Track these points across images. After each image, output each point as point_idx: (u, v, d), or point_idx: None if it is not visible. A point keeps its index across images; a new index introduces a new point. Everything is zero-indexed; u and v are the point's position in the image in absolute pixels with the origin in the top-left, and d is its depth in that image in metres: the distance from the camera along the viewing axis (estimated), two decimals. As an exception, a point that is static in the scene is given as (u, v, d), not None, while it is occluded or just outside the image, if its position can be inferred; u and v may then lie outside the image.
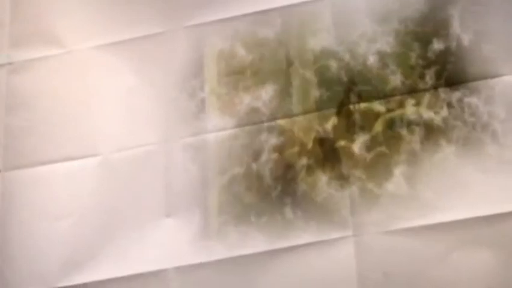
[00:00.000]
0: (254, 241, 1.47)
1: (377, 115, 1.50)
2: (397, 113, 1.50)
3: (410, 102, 1.51)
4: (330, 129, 1.51)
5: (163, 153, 1.55)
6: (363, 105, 1.51)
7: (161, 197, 1.52)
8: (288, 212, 1.48)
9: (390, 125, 1.49)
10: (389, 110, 1.50)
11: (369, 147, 1.49)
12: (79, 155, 1.57)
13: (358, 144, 1.49)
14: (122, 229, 1.51)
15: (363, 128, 1.50)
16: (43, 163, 1.58)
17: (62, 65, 1.64)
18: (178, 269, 1.47)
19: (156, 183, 1.53)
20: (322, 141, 1.51)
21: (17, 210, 1.56)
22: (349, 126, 1.51)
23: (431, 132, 1.48)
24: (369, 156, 1.48)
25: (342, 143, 1.50)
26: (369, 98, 1.52)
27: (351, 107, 1.51)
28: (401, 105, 1.50)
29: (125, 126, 1.58)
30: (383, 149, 1.48)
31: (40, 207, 1.55)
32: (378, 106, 1.50)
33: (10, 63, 1.66)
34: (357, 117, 1.51)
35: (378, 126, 1.49)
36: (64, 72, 1.64)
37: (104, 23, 1.65)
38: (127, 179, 1.54)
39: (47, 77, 1.64)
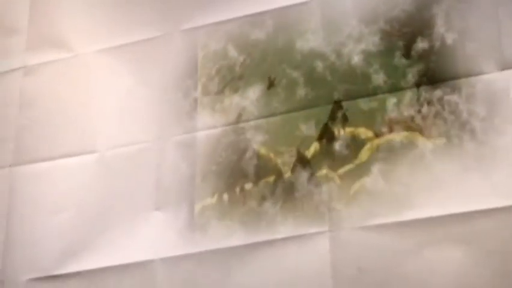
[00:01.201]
0: (235, 234, 1.51)
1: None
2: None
3: (391, 100, 1.52)
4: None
5: (155, 150, 1.62)
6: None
7: (152, 192, 1.59)
8: (269, 206, 1.52)
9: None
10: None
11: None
12: (79, 152, 1.67)
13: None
14: (114, 222, 1.59)
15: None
16: (47, 159, 1.69)
17: (69, 68, 1.75)
18: (164, 259, 1.54)
19: (148, 179, 1.60)
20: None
21: (23, 203, 1.67)
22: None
23: (411, 129, 1.50)
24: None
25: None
26: (352, 96, 1.55)
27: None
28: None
29: (123, 125, 1.66)
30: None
31: (42, 201, 1.65)
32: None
33: (25, 67, 1.79)
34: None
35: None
36: (70, 74, 1.74)
37: (108, 28, 1.75)
38: (122, 174, 1.62)
39: (55, 79, 1.75)
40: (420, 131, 1.48)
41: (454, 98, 1.49)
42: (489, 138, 1.44)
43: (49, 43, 1.78)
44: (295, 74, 1.60)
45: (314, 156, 1.52)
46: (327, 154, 1.51)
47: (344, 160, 1.50)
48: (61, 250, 1.60)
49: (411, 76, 1.53)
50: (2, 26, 1.82)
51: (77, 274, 1.57)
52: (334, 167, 1.50)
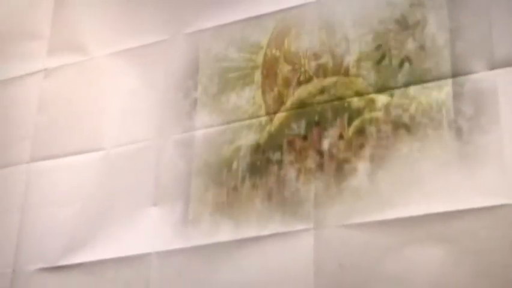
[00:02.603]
0: (224, 230, 1.56)
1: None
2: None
3: (380, 100, 1.53)
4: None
5: (155, 149, 1.68)
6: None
7: (151, 188, 1.65)
8: (258, 204, 1.55)
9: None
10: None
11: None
12: (88, 150, 1.75)
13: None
14: (115, 217, 1.66)
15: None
16: (60, 156, 1.77)
17: (84, 71, 1.84)
18: (159, 253, 1.59)
19: (147, 176, 1.66)
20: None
21: (36, 198, 1.76)
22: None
23: (398, 129, 1.50)
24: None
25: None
26: (343, 96, 1.56)
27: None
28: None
29: (127, 124, 1.74)
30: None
31: (52, 196, 1.74)
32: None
33: (45, 69, 1.89)
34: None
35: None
36: (85, 77, 1.83)
37: (120, 32, 1.83)
38: (124, 171, 1.69)
39: (71, 81, 1.85)
40: (408, 130, 1.49)
41: (442, 97, 1.48)
42: (474, 137, 1.43)
43: (68, 47, 1.87)
44: (291, 75, 1.63)
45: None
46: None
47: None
48: (66, 243, 1.68)
49: (401, 76, 1.53)
50: (26, 31, 1.94)
51: (80, 265, 1.65)
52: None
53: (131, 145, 1.71)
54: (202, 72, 1.71)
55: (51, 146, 1.79)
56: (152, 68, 1.75)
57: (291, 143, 1.57)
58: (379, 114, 1.51)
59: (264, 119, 1.61)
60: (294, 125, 1.58)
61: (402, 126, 1.49)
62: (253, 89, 1.65)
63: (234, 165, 1.60)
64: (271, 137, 1.59)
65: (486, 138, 1.42)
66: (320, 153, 1.54)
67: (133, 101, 1.75)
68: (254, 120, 1.62)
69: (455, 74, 1.48)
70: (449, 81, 1.48)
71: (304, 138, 1.56)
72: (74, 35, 1.88)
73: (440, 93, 1.48)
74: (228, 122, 1.64)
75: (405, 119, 1.49)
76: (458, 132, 1.44)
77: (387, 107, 1.52)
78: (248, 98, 1.65)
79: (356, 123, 1.52)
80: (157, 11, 1.80)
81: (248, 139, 1.61)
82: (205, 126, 1.66)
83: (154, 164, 1.67)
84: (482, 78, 1.46)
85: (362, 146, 1.51)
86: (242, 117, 1.63)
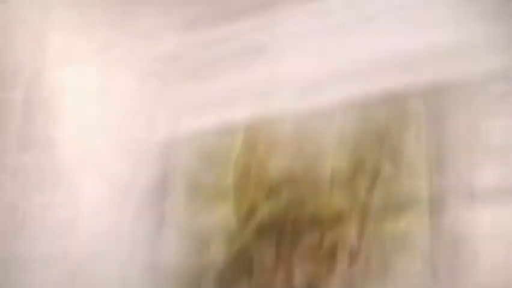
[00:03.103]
0: None
1: None
2: None
3: (353, 215, 1.46)
4: None
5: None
6: None
7: None
8: None
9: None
10: None
11: None
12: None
13: None
14: None
15: None
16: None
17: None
18: None
19: None
20: None
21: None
22: None
23: (371, 257, 1.43)
24: None
25: None
26: (314, 210, 1.50)
27: None
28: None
29: None
30: None
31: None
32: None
33: None
34: None
35: None
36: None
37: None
38: None
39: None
40: None
41: (417, 229, 1.41)
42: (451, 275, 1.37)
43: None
44: (261, 186, 1.57)
45: None
46: None
47: None
48: None
49: (377, 199, 1.46)
50: None
51: None
52: None
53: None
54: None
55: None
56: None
57: (260, 258, 1.52)
58: (352, 231, 1.46)
59: (234, 232, 1.57)
60: (264, 239, 1.53)
61: (375, 258, 1.43)
62: (224, 203, 1.60)
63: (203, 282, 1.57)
64: (240, 252, 1.55)
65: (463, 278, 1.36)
66: (291, 268, 1.49)
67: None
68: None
69: (432, 207, 1.42)
70: (427, 212, 1.43)
71: (276, 254, 1.51)
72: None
73: (416, 225, 1.42)
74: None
75: (377, 250, 1.43)
76: (434, 269, 1.38)
77: (360, 224, 1.45)
78: (217, 217, 1.60)
79: (328, 237, 1.47)
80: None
81: (217, 255, 1.57)
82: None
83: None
84: (461, 214, 1.40)
85: (334, 261, 1.45)
86: (211, 238, 1.58)
